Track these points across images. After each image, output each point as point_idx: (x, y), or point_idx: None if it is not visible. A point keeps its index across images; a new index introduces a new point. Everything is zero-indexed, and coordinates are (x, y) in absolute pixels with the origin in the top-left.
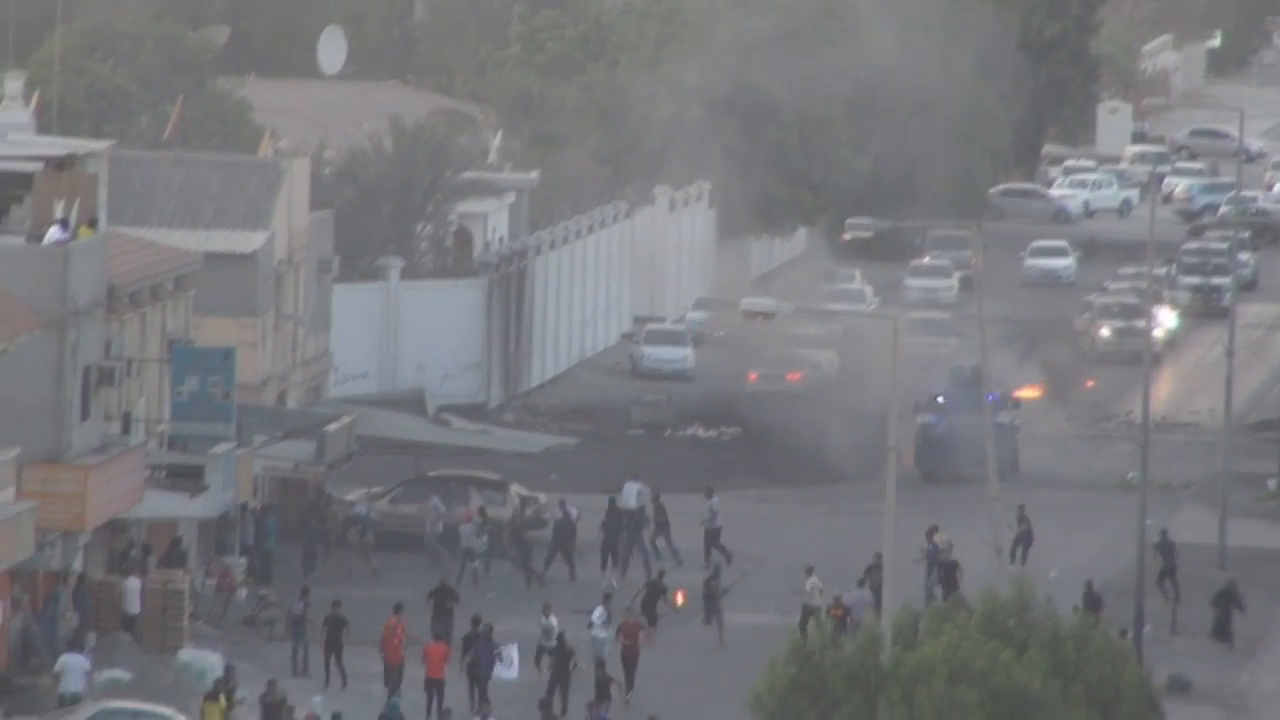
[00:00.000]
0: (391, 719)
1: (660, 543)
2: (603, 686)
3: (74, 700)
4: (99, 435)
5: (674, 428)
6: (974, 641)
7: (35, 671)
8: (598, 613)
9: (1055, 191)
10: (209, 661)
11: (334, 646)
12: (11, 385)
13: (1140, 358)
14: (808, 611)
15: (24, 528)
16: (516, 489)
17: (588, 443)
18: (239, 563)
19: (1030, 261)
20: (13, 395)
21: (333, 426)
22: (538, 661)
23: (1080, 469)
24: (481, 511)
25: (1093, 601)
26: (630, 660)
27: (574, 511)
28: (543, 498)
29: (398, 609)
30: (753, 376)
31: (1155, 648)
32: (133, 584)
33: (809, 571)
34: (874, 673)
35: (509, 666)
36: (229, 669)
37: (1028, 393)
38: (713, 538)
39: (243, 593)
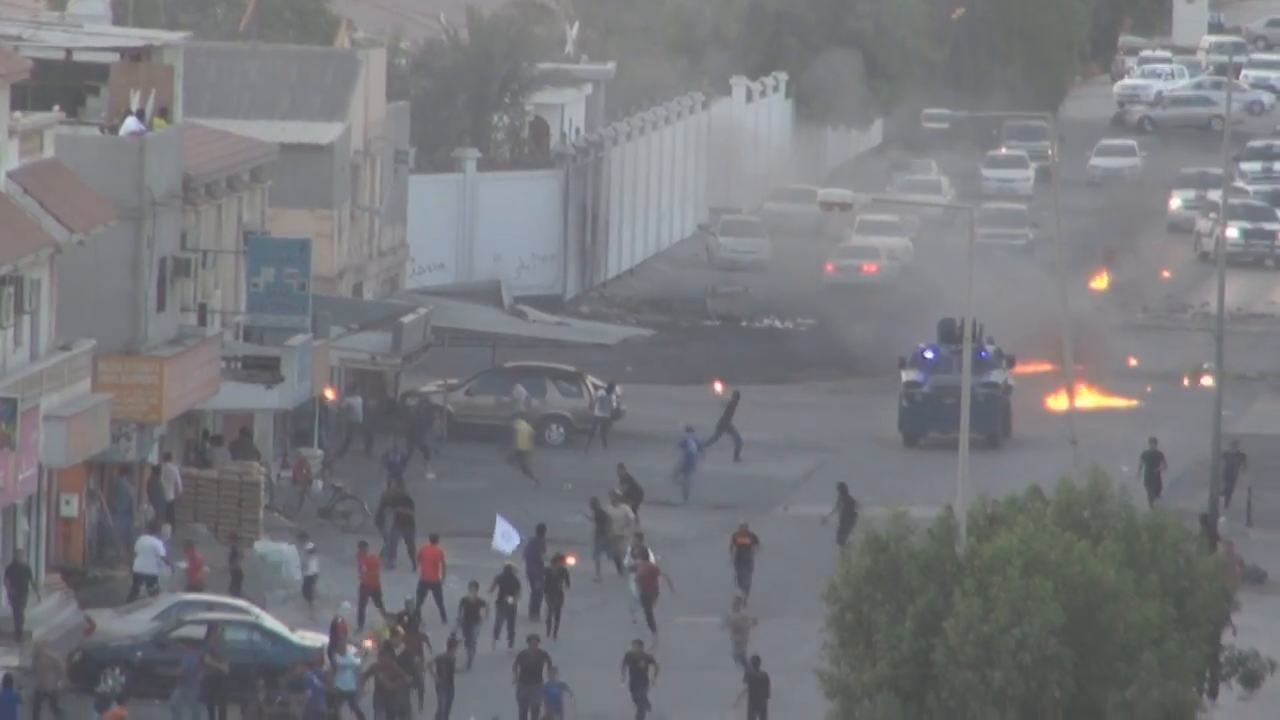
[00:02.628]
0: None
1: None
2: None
3: (147, 582)
4: (175, 327)
5: (750, 319)
6: (1049, 532)
7: (111, 564)
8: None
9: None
10: (284, 554)
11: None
12: (88, 277)
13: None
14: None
15: (100, 420)
16: (592, 380)
17: (664, 334)
18: (315, 454)
19: (1095, 161)
20: (89, 287)
21: (409, 318)
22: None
23: (1154, 360)
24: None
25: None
26: (649, 602)
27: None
28: (619, 389)
29: (362, 546)
30: (829, 267)
31: (1231, 539)
32: (169, 469)
33: (615, 499)
34: (949, 563)
35: (507, 539)
36: (409, 602)
37: (1097, 282)
38: (604, 426)
39: (318, 485)
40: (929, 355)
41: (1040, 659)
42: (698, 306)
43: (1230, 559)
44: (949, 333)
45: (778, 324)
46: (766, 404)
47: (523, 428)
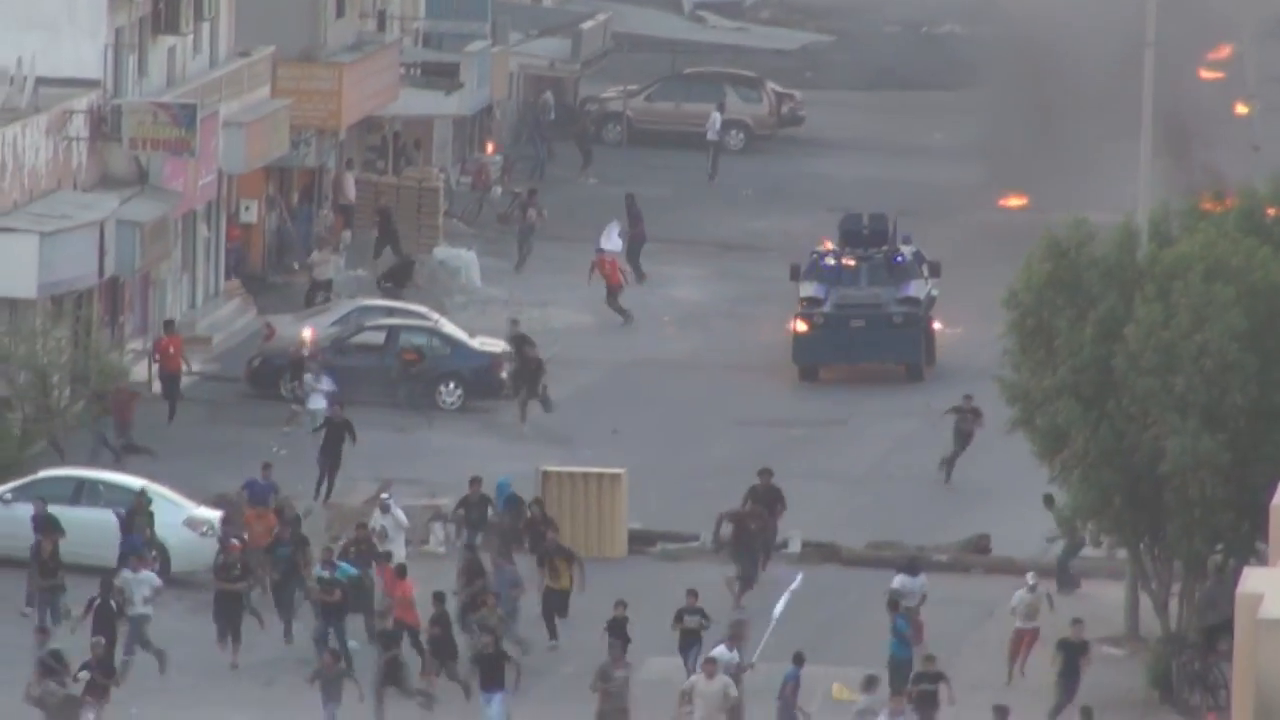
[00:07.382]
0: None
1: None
2: None
3: (324, 287)
4: (354, 33)
5: (930, 25)
6: (1231, 238)
7: (289, 270)
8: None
9: None
10: (463, 259)
11: None
12: None
13: None
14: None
15: (279, 126)
16: (771, 86)
17: (844, 40)
18: (494, 160)
19: None
20: None
21: (588, 24)
22: None
23: None
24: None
25: None
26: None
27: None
28: (798, 95)
29: (168, 325)
30: None
31: None
32: (346, 176)
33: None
34: (1130, 269)
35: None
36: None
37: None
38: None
39: (497, 190)
40: (830, 262)
41: (1222, 365)
42: (875, 14)
43: None
44: (854, 233)
45: (958, 30)
46: (937, 109)
47: None
